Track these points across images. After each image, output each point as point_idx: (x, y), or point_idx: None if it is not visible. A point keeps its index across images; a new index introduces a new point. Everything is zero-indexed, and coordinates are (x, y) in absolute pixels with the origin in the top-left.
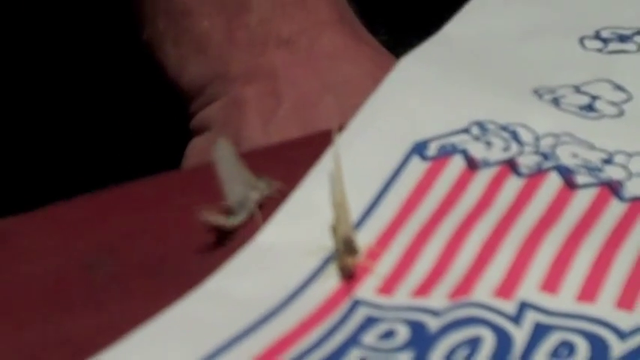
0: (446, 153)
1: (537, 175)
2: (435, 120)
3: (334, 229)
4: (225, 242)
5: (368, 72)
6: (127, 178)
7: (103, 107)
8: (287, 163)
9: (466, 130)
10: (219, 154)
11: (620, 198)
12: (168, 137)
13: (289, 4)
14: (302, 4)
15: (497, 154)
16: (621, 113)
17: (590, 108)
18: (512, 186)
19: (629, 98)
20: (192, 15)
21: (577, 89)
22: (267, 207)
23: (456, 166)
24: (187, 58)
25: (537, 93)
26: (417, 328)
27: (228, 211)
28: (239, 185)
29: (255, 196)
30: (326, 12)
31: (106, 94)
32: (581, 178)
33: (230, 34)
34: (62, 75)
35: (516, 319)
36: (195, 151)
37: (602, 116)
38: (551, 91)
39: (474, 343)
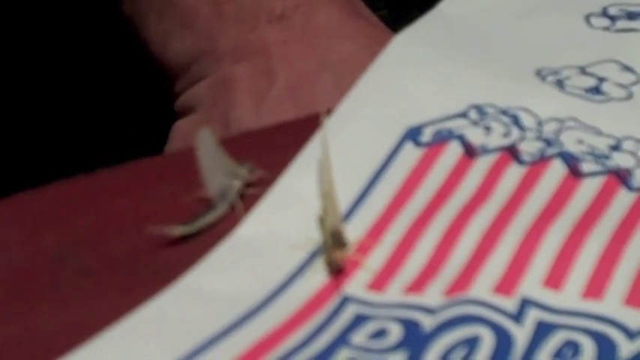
0: (442, 139)
1: (540, 162)
2: (430, 103)
3: (321, 221)
4: (203, 235)
5: (367, 49)
6: (105, 164)
7: (78, 86)
8: (271, 148)
9: (463, 115)
10: (201, 143)
11: (629, 187)
12: (150, 119)
13: None
14: None
15: (496, 140)
16: (630, 96)
17: (596, 90)
18: (513, 174)
19: (639, 80)
20: None
21: (582, 70)
22: (250, 197)
23: (452, 152)
24: (172, 33)
25: (540, 74)
26: (411, 327)
27: (207, 203)
28: (220, 176)
29: (236, 184)
30: None
31: (82, 72)
32: (586, 166)
33: (218, 7)
34: (34, 55)
35: (517, 317)
36: (179, 134)
37: (610, 99)
38: (555, 72)
39: (471, 343)
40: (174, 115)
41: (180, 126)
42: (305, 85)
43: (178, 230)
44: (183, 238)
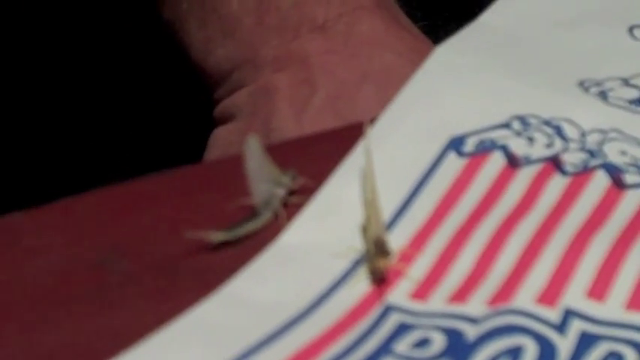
0: (484, 149)
1: (583, 173)
2: (473, 113)
3: (364, 229)
4: (246, 242)
5: (409, 60)
6: (145, 171)
7: (119, 94)
8: (315, 157)
9: (506, 125)
10: (248, 151)
11: None
12: (190, 126)
13: None
14: None
15: (540, 150)
16: None
17: (639, 102)
18: (557, 185)
19: None
20: None
21: (626, 82)
22: (293, 205)
23: (495, 163)
24: (214, 40)
25: (583, 86)
26: (454, 337)
27: (252, 211)
28: (265, 183)
29: (280, 193)
30: None
31: (122, 80)
32: (630, 177)
33: (260, 16)
34: (77, 61)
35: (561, 327)
36: (218, 141)
37: None
38: (598, 83)
39: (515, 353)
40: (213, 123)
41: (220, 134)
42: (346, 95)
43: (218, 236)
44: (223, 245)
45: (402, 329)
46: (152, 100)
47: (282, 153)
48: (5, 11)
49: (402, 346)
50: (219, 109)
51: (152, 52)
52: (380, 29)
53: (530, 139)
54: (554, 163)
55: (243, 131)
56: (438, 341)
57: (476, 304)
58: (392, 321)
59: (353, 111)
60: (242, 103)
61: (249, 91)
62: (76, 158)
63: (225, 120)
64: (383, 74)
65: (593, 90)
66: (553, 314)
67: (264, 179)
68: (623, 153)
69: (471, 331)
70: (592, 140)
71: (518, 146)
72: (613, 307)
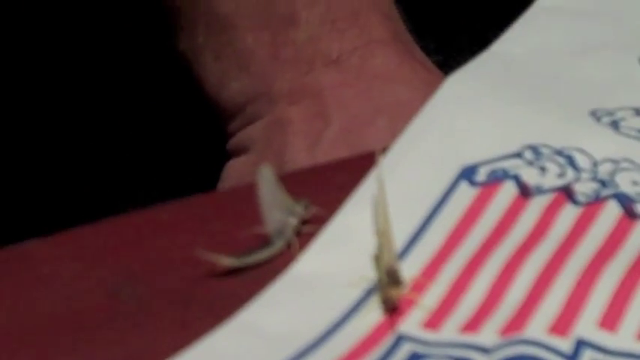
0: (496, 178)
1: (595, 203)
2: (485, 143)
3: (377, 259)
4: (259, 271)
5: (422, 94)
6: (157, 201)
7: (136, 125)
8: (328, 186)
9: (518, 155)
10: (262, 180)
11: None
12: (203, 159)
13: (340, 20)
14: (353, 21)
15: (551, 180)
16: None
17: None
18: (568, 215)
19: None
20: (235, 28)
21: (637, 112)
22: (306, 234)
23: (507, 192)
24: (228, 73)
25: (595, 115)
26: None
27: (265, 239)
28: (278, 212)
29: (293, 222)
30: (379, 30)
31: (136, 111)
32: None
33: (275, 50)
34: (90, 89)
35: (573, 357)
36: (232, 173)
37: None
38: (610, 113)
39: None
40: (226, 156)
41: (234, 166)
42: (359, 128)
43: (227, 261)
44: (233, 272)
45: (414, 359)
46: (168, 131)
47: (294, 182)
48: (11, 19)
49: None
50: (233, 142)
51: (168, 83)
52: (394, 63)
53: (542, 169)
54: (566, 192)
55: (256, 164)
56: None
57: (488, 334)
58: (404, 351)
59: (366, 144)
60: (256, 136)
61: (263, 124)
62: (91, 186)
63: (238, 152)
64: (396, 108)
65: (605, 120)
66: (565, 344)
67: (277, 208)
68: (635, 183)
69: None
70: (604, 170)
71: (530, 176)
72: (625, 337)
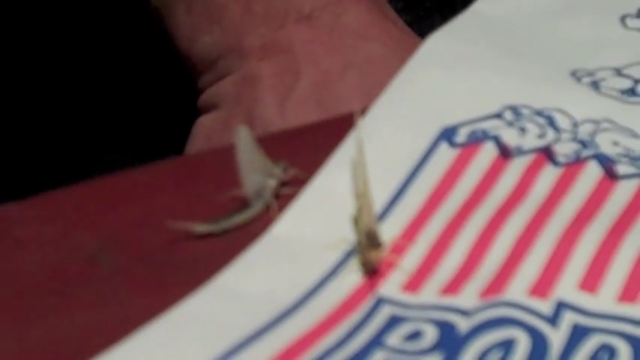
0: (476, 139)
1: (575, 164)
2: (465, 104)
3: (356, 221)
4: (237, 234)
5: (393, 51)
6: (129, 160)
7: (105, 85)
8: (306, 148)
9: (498, 115)
10: (239, 141)
11: None
12: (171, 116)
13: None
14: None
15: (532, 141)
16: None
17: (632, 92)
18: (549, 176)
19: None
20: None
21: (618, 72)
22: (284, 196)
23: (487, 153)
24: (200, 27)
25: (575, 76)
26: (446, 329)
27: (243, 202)
28: (257, 174)
29: (271, 184)
30: None
31: (108, 71)
32: (622, 168)
33: (248, 4)
34: (63, 50)
35: (553, 320)
36: (202, 130)
37: None
38: (590, 73)
39: (507, 346)
40: (197, 112)
41: (203, 123)
42: (329, 84)
43: (202, 228)
44: (211, 235)
45: (393, 322)
46: (137, 90)
47: (273, 144)
48: None
49: (394, 338)
50: (204, 98)
51: (138, 41)
52: (365, 20)
53: (522, 130)
54: (546, 153)
55: (226, 120)
56: (430, 334)
57: (468, 296)
58: (383, 313)
59: (335, 100)
60: (226, 91)
61: (234, 80)
62: (65, 150)
63: (209, 109)
64: (367, 64)
65: (586, 80)
66: (545, 306)
67: (255, 170)
68: (616, 143)
69: (462, 324)
70: (584, 131)
71: (510, 137)
72: (605, 299)
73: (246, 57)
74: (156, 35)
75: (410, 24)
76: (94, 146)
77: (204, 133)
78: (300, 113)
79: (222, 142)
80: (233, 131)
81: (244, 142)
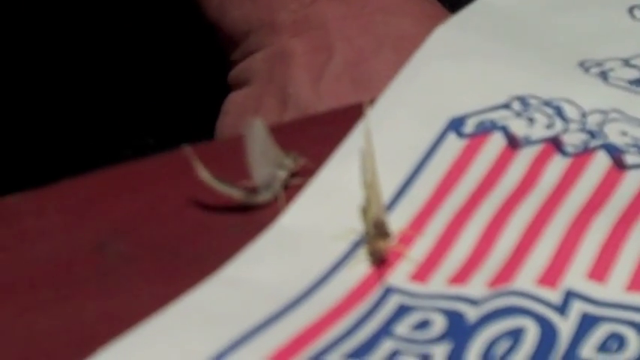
0: (484, 130)
1: (584, 154)
2: (473, 94)
3: (364, 211)
4: (246, 224)
5: (426, 27)
6: (155, 145)
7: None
8: (313, 139)
9: (506, 106)
10: (252, 132)
11: None
12: (205, 92)
13: None
14: None
15: (540, 131)
16: None
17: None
18: (557, 166)
19: None
20: None
21: (626, 62)
22: (293, 187)
23: (495, 143)
24: (231, 0)
25: (583, 66)
26: (455, 318)
27: (253, 191)
28: (267, 165)
29: (281, 175)
30: None
31: (134, 49)
32: (630, 158)
33: None
34: (82, 32)
35: (562, 309)
36: (232, 107)
37: None
38: (599, 64)
39: (515, 335)
40: (226, 91)
41: (235, 99)
42: (363, 61)
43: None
44: (223, 226)
45: (402, 311)
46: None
47: (282, 134)
48: None
49: (402, 327)
50: (234, 73)
51: (168, 16)
52: None
53: (531, 120)
54: (555, 143)
55: (258, 96)
56: (439, 323)
57: (476, 286)
58: (392, 303)
59: (370, 77)
60: (258, 67)
61: (265, 55)
62: (76, 139)
63: (240, 84)
64: (400, 41)
65: (594, 70)
66: (554, 295)
67: (266, 161)
68: (624, 133)
69: (471, 313)
70: (592, 121)
71: (518, 127)
72: (614, 288)
73: (278, 32)
74: (185, 12)
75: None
76: (120, 129)
77: (235, 109)
78: (334, 90)
79: (259, 112)
80: (267, 109)
81: (257, 133)
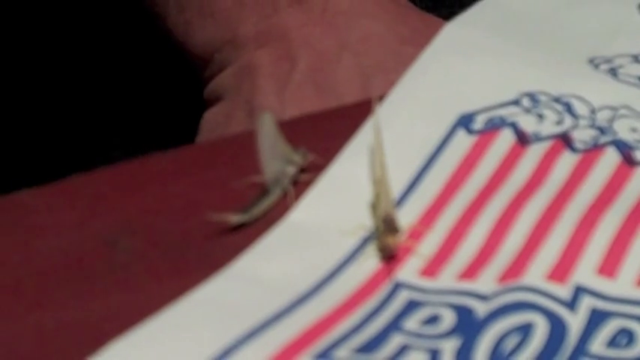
0: (494, 126)
1: (593, 150)
2: (482, 90)
3: (374, 207)
4: (255, 220)
5: (389, 27)
6: (150, 150)
7: (120, 78)
8: (323, 134)
9: (516, 102)
10: (262, 128)
11: None
12: (184, 111)
13: None
14: None
15: (549, 127)
16: None
17: None
18: (567, 162)
19: None
20: None
21: (636, 59)
22: (302, 183)
23: (504, 140)
24: (193, 23)
25: (593, 62)
26: (464, 314)
27: (260, 188)
28: (277, 161)
29: (290, 171)
30: None
31: (122, 66)
32: None
33: None
34: (77, 45)
35: (571, 304)
36: (208, 124)
37: None
38: (608, 60)
39: (525, 330)
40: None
41: (208, 116)
42: (325, 66)
43: (237, 218)
44: (240, 226)
45: (411, 306)
46: (150, 85)
47: (292, 130)
48: None
49: (412, 323)
50: (207, 92)
51: (149, 40)
52: None
53: (540, 116)
54: (564, 140)
55: (228, 112)
56: (448, 318)
57: (486, 281)
58: (401, 298)
59: (333, 82)
60: (227, 83)
61: (233, 70)
62: (85, 135)
63: (213, 101)
64: (362, 43)
65: (604, 67)
66: (563, 291)
67: (276, 157)
68: (634, 130)
69: (480, 308)
70: (602, 117)
71: (527, 123)
72: (623, 283)
73: (242, 47)
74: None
75: (430, 9)
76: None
77: (208, 127)
78: (298, 98)
79: (226, 134)
80: (236, 122)
81: (267, 128)
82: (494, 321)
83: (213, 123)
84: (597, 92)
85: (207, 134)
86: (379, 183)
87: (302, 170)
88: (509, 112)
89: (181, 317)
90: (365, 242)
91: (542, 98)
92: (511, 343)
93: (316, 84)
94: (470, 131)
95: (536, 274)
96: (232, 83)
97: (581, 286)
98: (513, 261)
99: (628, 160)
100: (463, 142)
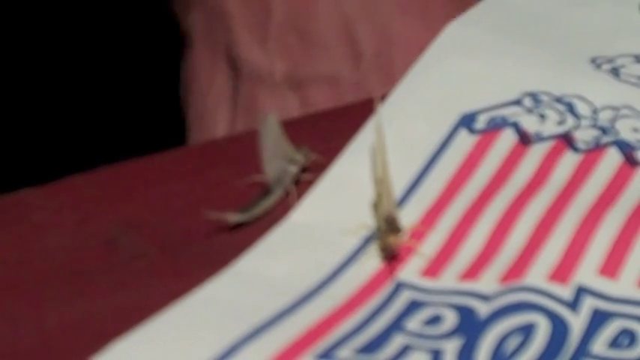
0: (496, 126)
1: (595, 150)
2: (484, 90)
3: (375, 207)
4: (256, 220)
5: None
6: (142, 151)
7: (120, 78)
8: (324, 134)
9: (518, 102)
10: (265, 128)
11: None
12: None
13: None
14: None
15: (551, 127)
16: None
17: None
18: (568, 162)
19: None
20: None
21: (638, 59)
22: (304, 182)
23: (506, 140)
24: None
25: (595, 62)
26: (466, 314)
27: (262, 188)
28: (279, 161)
29: (292, 170)
30: None
31: (123, 66)
32: None
33: None
34: (77, 46)
35: (573, 305)
36: (191, 77)
37: None
38: (610, 60)
39: (527, 330)
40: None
41: (188, 67)
42: (303, 10)
43: (236, 217)
44: (240, 225)
45: (413, 306)
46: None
47: (294, 129)
48: None
49: (414, 323)
50: (182, 30)
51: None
52: None
53: (542, 116)
54: (566, 140)
55: (209, 64)
56: (450, 318)
57: (487, 282)
58: (403, 298)
59: (315, 27)
60: (199, 28)
61: (204, 14)
62: (86, 134)
63: (188, 43)
64: None
65: (605, 67)
66: (565, 291)
67: (278, 156)
68: (636, 130)
69: (482, 309)
70: (604, 117)
71: (529, 123)
72: (625, 284)
73: None
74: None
75: None
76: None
77: (187, 75)
78: (283, 49)
79: (214, 80)
80: (220, 77)
81: (270, 128)
82: (496, 321)
83: (197, 77)
84: (599, 92)
85: (192, 87)
86: (381, 182)
87: (304, 170)
88: (511, 112)
89: (183, 317)
90: (367, 242)
91: (544, 98)
92: (513, 343)
93: (297, 30)
94: (472, 131)
95: (538, 274)
96: (204, 29)
97: (583, 286)
98: (515, 261)
99: (630, 161)
100: (465, 141)
